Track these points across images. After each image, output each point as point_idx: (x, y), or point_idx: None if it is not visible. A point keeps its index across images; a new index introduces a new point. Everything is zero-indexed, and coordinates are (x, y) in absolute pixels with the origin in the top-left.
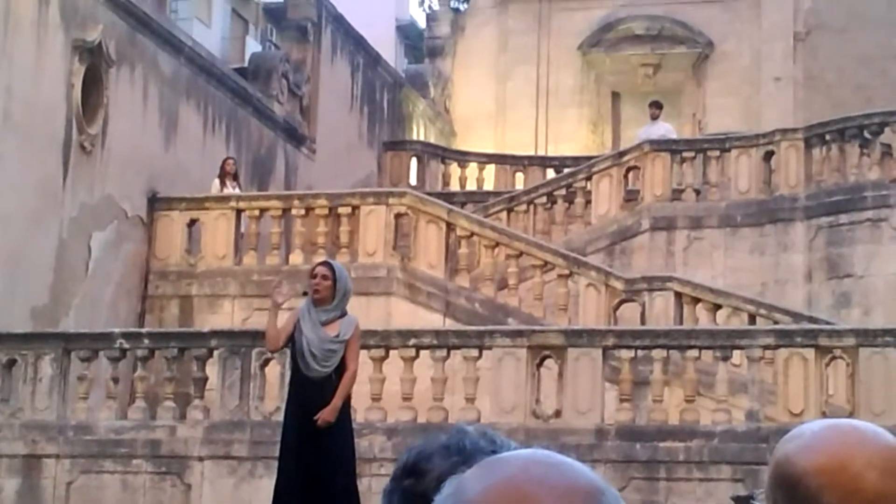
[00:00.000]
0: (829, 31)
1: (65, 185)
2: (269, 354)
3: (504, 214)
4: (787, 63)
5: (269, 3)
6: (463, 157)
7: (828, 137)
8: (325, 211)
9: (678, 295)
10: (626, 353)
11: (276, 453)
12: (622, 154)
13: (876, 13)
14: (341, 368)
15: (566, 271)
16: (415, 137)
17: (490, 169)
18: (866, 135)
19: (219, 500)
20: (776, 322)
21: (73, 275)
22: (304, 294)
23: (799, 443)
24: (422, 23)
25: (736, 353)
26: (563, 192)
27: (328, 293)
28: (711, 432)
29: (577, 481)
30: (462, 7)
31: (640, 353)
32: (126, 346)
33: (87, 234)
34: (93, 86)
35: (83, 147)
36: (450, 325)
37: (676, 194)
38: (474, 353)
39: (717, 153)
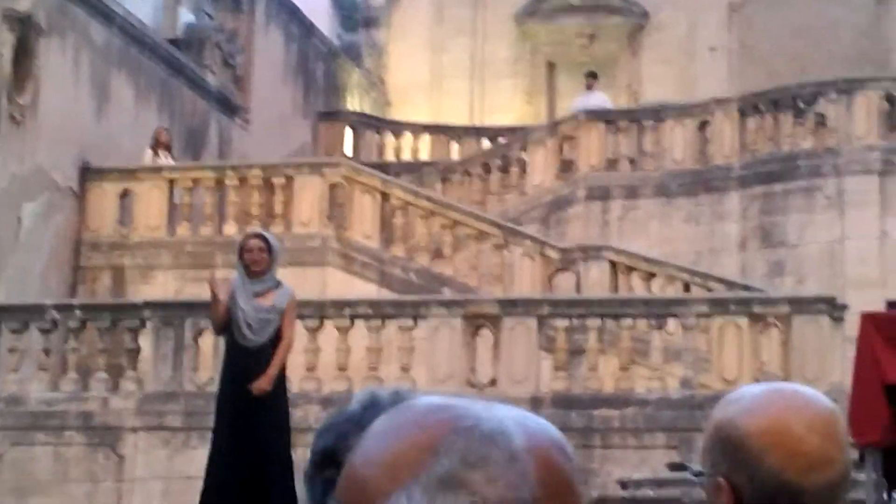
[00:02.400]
0: (763, 1)
1: None
2: (202, 325)
3: (439, 184)
4: (721, 33)
5: None
6: (398, 128)
7: (762, 107)
8: (260, 181)
9: (613, 264)
10: (561, 322)
11: (211, 424)
12: (557, 124)
13: None
14: (277, 338)
15: (501, 241)
16: (349, 108)
17: (425, 139)
18: (800, 104)
19: (152, 471)
20: (710, 290)
21: (4, 246)
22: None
23: (741, 406)
24: None
25: (670, 321)
26: (499, 162)
27: (266, 265)
28: (646, 400)
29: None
30: None
31: (575, 321)
32: (58, 317)
33: (17, 205)
34: (23, 56)
35: (13, 118)
36: (385, 294)
37: (611, 164)
38: (409, 322)
39: (653, 123)
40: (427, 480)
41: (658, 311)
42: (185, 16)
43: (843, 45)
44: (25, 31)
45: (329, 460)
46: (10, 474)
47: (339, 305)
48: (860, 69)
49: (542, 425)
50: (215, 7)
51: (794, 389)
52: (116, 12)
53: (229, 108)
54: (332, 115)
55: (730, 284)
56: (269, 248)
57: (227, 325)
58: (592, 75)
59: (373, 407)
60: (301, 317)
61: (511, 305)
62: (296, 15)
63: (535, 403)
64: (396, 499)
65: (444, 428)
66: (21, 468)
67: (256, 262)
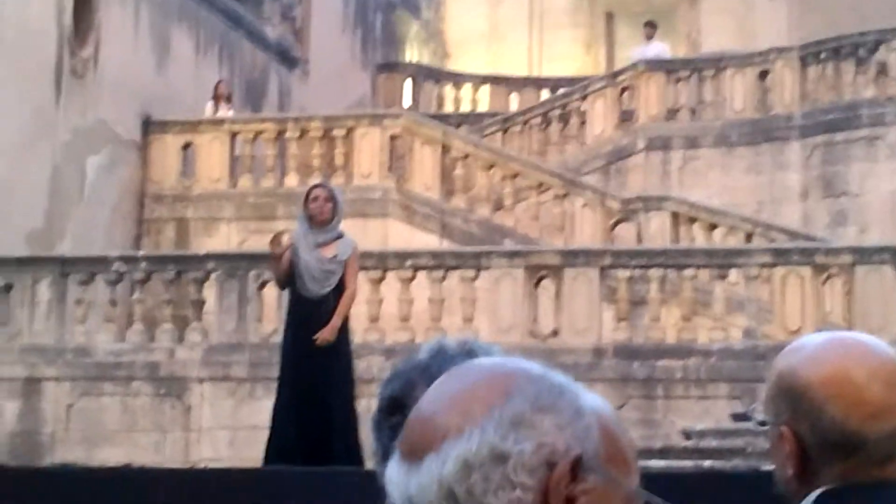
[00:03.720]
0: None
1: (58, 109)
2: (265, 276)
3: (499, 135)
4: None
5: None
6: (457, 79)
7: (823, 56)
8: (320, 133)
9: (674, 214)
10: (622, 273)
11: (276, 374)
12: (617, 74)
13: None
14: (340, 289)
15: (562, 192)
16: (408, 59)
17: (484, 90)
18: (861, 53)
19: (218, 421)
20: (773, 240)
21: (69, 199)
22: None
23: (803, 354)
24: None
25: (732, 271)
26: (558, 112)
27: (329, 215)
28: (709, 350)
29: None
30: None
31: (636, 272)
32: (123, 269)
33: (81, 158)
34: (83, 8)
35: (75, 71)
36: (446, 246)
37: (671, 114)
38: (471, 273)
39: (713, 72)
40: (500, 418)
41: (720, 261)
42: None
43: None
44: None
45: (396, 407)
46: (78, 424)
47: (401, 257)
48: None
49: (604, 401)
50: None
51: (855, 338)
52: None
53: (288, 60)
54: (391, 67)
55: (792, 234)
56: (333, 199)
57: (290, 278)
58: (651, 25)
59: (440, 356)
60: (363, 268)
61: (572, 256)
62: None
63: (598, 354)
64: (469, 433)
65: (515, 374)
66: (89, 418)
67: (321, 211)
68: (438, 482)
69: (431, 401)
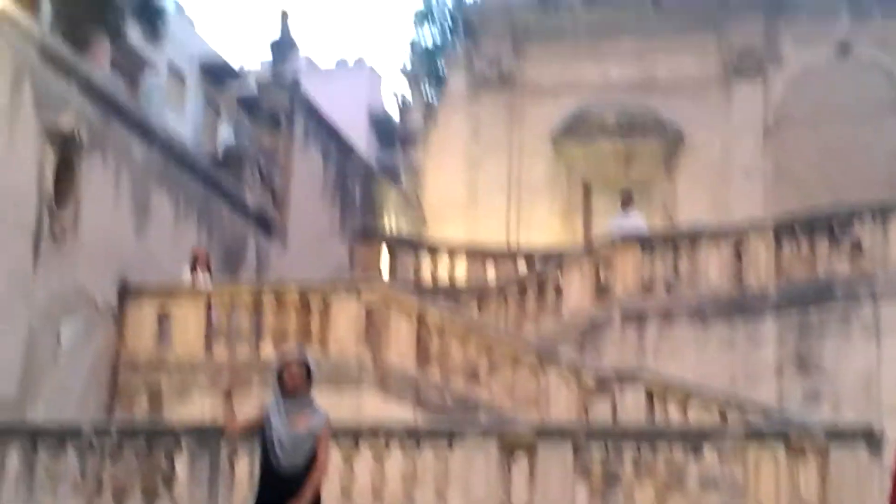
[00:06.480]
0: (797, 123)
1: (35, 273)
2: (238, 448)
3: (475, 305)
4: (756, 155)
5: (243, 93)
6: (434, 249)
7: (797, 230)
8: (296, 301)
9: (649, 388)
10: (597, 450)
11: None
12: (593, 247)
13: (843, 106)
14: (311, 462)
15: (537, 364)
16: (386, 226)
17: (461, 259)
18: (835, 228)
19: None
20: (747, 417)
21: (42, 365)
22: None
23: None
24: (394, 112)
25: (706, 449)
26: (535, 286)
27: (304, 385)
28: None
29: None
30: (434, 99)
31: (611, 449)
32: (94, 439)
33: (56, 323)
34: (65, 172)
35: (54, 235)
36: (420, 417)
37: (647, 287)
38: (445, 448)
39: (688, 244)
40: None
41: (694, 440)
42: (225, 134)
43: (876, 168)
44: (67, 149)
45: None
46: None
47: (375, 431)
48: (894, 193)
49: None
50: (254, 125)
51: None
52: (157, 130)
53: (267, 226)
54: (369, 235)
55: (766, 412)
56: (307, 368)
57: (262, 449)
58: (628, 194)
59: None
60: (335, 438)
61: (547, 433)
62: (333, 134)
63: None
64: None
65: None
66: None
67: (295, 381)
68: None
69: None
